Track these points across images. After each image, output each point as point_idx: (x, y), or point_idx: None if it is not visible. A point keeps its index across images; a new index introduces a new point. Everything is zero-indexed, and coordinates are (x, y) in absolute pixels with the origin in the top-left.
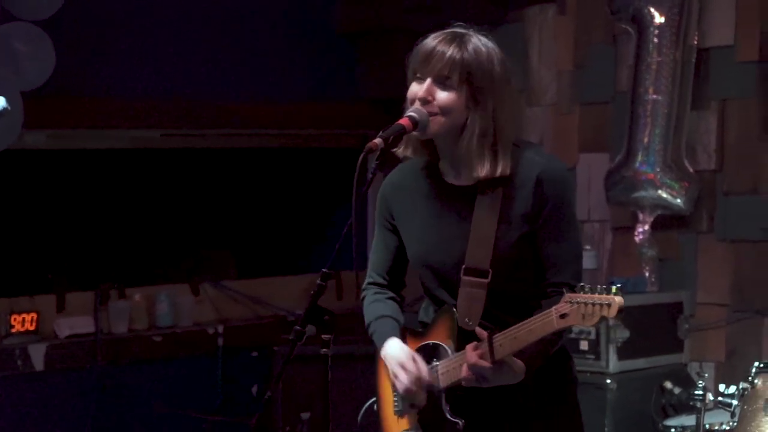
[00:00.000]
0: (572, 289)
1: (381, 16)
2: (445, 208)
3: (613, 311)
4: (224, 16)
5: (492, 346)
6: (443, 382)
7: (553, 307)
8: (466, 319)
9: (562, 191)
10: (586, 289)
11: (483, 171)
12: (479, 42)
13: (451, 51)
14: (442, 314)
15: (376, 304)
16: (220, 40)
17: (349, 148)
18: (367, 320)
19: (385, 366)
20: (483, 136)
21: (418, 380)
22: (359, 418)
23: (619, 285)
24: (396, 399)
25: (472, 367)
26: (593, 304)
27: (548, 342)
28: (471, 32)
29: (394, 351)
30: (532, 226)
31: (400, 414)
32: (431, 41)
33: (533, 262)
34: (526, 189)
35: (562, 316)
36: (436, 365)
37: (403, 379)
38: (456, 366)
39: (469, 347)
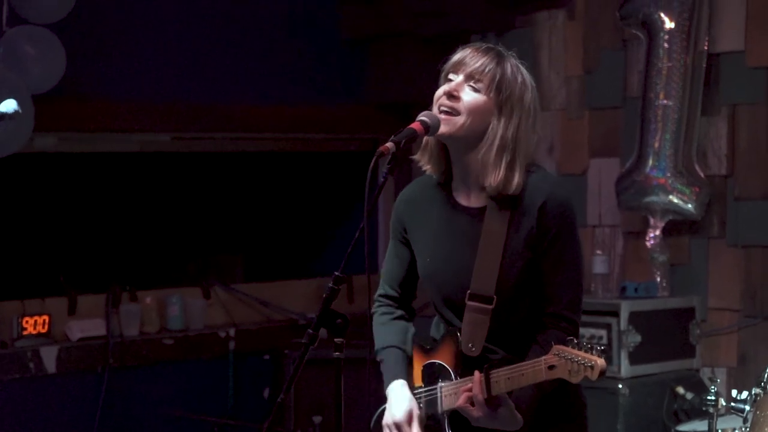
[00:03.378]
0: (569, 323)
1: (388, 20)
2: (453, 229)
3: (596, 374)
4: (234, 20)
5: (489, 381)
6: (446, 405)
7: (543, 357)
8: (470, 345)
9: (565, 219)
10: (574, 344)
11: (495, 181)
12: (516, 65)
13: (486, 59)
14: (448, 336)
15: (384, 328)
16: (229, 44)
17: (357, 151)
18: (375, 344)
19: None
20: (502, 149)
21: None
22: (372, 423)
23: (602, 348)
24: None
25: (461, 410)
26: (578, 363)
27: (544, 387)
28: (510, 55)
29: (395, 402)
30: (534, 253)
31: None
32: (469, 48)
33: (536, 290)
34: (530, 215)
35: (551, 367)
36: (441, 386)
37: None
38: (457, 392)
39: (463, 388)
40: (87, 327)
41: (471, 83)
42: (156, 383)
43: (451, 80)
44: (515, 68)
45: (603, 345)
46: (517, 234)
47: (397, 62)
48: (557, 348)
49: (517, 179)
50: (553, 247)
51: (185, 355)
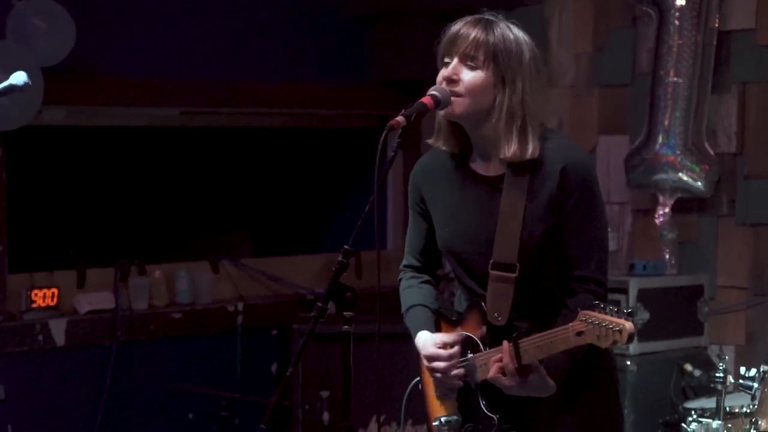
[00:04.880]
0: (598, 285)
1: None
2: (471, 198)
3: (624, 337)
4: None
5: (518, 350)
6: (478, 377)
7: (570, 324)
8: (495, 314)
9: (587, 182)
10: (600, 308)
11: (510, 151)
12: (507, 28)
13: (476, 32)
14: (473, 307)
15: (410, 290)
16: (237, 20)
17: (364, 128)
18: (402, 307)
19: None
20: (511, 118)
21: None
22: (405, 395)
23: (629, 310)
24: (437, 382)
25: (493, 381)
26: (606, 327)
27: (575, 352)
28: (499, 19)
29: (425, 343)
30: (556, 218)
31: (441, 399)
32: (457, 25)
33: (559, 255)
34: (551, 180)
35: (579, 333)
36: (472, 357)
37: (440, 366)
38: (488, 362)
39: (494, 359)
40: (95, 300)
41: (467, 62)
42: (164, 357)
43: (447, 63)
44: (507, 31)
45: (629, 309)
46: (537, 200)
47: (403, 39)
48: (584, 313)
49: (531, 143)
50: (577, 211)
51: (193, 329)
